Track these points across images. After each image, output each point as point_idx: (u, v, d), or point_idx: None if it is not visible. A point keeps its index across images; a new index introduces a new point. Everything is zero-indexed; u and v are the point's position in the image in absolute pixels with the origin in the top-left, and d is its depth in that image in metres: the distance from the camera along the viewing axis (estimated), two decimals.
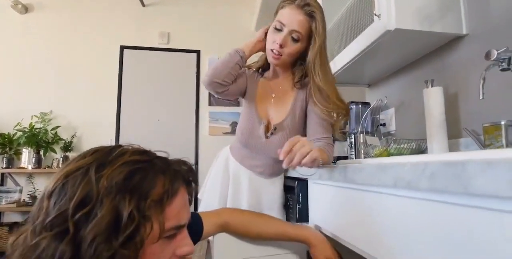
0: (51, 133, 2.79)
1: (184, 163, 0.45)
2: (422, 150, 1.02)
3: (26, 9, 3.01)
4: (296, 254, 0.74)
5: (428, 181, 0.34)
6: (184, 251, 0.43)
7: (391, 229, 0.45)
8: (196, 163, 3.03)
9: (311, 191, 0.81)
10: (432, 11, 0.94)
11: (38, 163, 2.71)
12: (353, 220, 0.57)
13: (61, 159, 2.72)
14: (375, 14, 0.97)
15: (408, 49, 1.10)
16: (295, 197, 0.87)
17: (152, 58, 3.16)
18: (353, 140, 1.25)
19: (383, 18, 0.94)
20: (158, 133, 2.99)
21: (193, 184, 0.46)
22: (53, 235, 0.34)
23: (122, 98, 3.04)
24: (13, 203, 2.53)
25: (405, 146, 1.02)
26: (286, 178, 1.00)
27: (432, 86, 0.95)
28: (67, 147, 2.79)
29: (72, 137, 2.85)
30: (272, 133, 0.93)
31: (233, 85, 0.95)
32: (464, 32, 0.95)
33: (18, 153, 2.76)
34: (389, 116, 1.33)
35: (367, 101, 1.43)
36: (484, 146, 0.80)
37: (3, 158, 2.69)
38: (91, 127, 2.93)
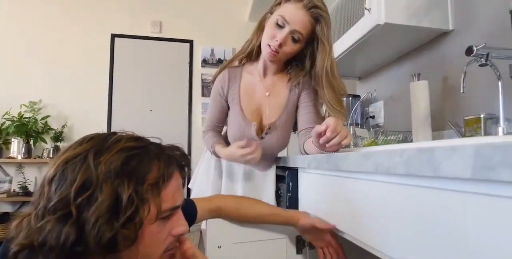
0: (41, 122, 2.75)
1: (177, 148, 0.48)
2: (408, 142, 1.06)
3: None
4: (287, 239, 0.78)
5: (404, 166, 0.37)
6: (179, 231, 0.46)
7: (372, 212, 0.48)
8: (189, 153, 3.04)
9: (301, 179, 0.84)
10: (421, 7, 0.97)
11: (28, 153, 2.68)
12: (339, 205, 0.61)
13: (51, 149, 2.70)
14: (366, 8, 0.99)
15: (397, 43, 1.13)
16: (285, 186, 0.90)
17: (144, 47, 3.12)
18: None
19: (373, 12, 0.97)
20: (150, 123, 2.98)
21: (186, 168, 0.48)
22: (57, 218, 0.36)
23: (114, 88, 3.01)
24: (3, 193, 2.52)
25: (392, 138, 1.06)
26: (276, 167, 1.03)
27: (418, 80, 0.98)
28: (58, 137, 2.76)
29: (63, 127, 2.83)
30: (266, 133, 0.93)
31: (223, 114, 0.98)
32: (450, 27, 0.98)
33: (7, 143, 2.72)
34: (378, 109, 1.37)
35: (357, 94, 1.47)
36: (464, 137, 0.84)
37: None
38: (82, 117, 2.90)
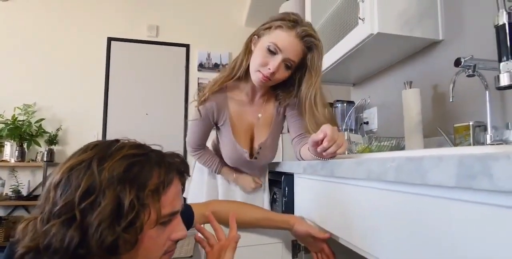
0: (35, 125, 2.74)
1: (177, 155, 0.49)
2: (401, 148, 1.09)
3: None
4: (282, 243, 0.79)
5: (394, 173, 0.39)
6: (178, 236, 0.47)
7: (364, 217, 0.50)
8: (185, 157, 3.03)
9: (296, 185, 0.86)
10: (413, 17, 1.00)
11: (22, 156, 2.66)
12: (333, 211, 0.63)
13: (45, 152, 2.68)
14: (360, 18, 1.02)
15: (390, 52, 1.17)
16: (281, 191, 0.92)
17: (140, 51, 3.13)
18: None
19: (367, 22, 1.00)
20: (146, 127, 2.98)
21: (185, 175, 0.50)
22: (62, 222, 0.37)
23: (110, 91, 3.01)
24: None
25: (385, 144, 1.09)
26: (272, 172, 1.05)
27: (410, 88, 1.01)
28: (52, 141, 2.75)
29: (57, 130, 2.81)
30: (258, 153, 0.96)
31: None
32: (440, 37, 1.02)
33: (0, 146, 2.70)
34: (372, 115, 1.40)
35: (351, 100, 1.49)
36: (454, 144, 0.87)
37: None
38: (77, 120, 2.89)
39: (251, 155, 0.97)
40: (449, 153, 0.34)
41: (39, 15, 2.95)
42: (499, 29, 0.61)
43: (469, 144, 0.83)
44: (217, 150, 1.06)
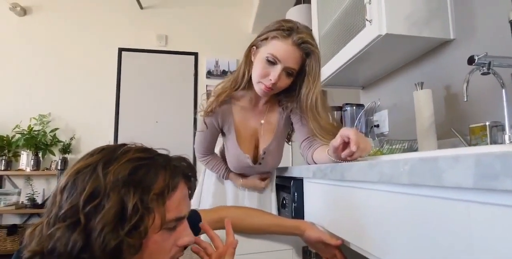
0: (49, 135, 2.81)
1: (184, 159, 0.49)
2: (414, 150, 1.05)
3: (24, 11, 3.03)
4: (292, 249, 0.77)
5: (407, 176, 0.37)
6: (185, 241, 0.46)
7: (376, 222, 0.48)
8: (194, 164, 3.05)
9: (306, 190, 0.84)
10: (421, 17, 0.98)
11: (37, 165, 2.72)
12: (344, 216, 0.60)
13: (59, 161, 2.74)
14: (367, 20, 1.01)
15: (399, 53, 1.15)
16: (290, 196, 0.90)
17: (150, 60, 3.19)
18: None
19: (375, 24, 0.98)
20: (156, 134, 3.02)
21: (192, 179, 0.49)
22: (66, 226, 0.37)
23: (121, 100, 3.07)
24: (11, 205, 2.55)
25: (397, 147, 1.06)
26: (281, 177, 1.03)
27: (421, 89, 0.98)
28: (66, 149, 2.81)
29: (71, 139, 2.87)
30: (263, 158, 0.96)
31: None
32: (452, 37, 0.99)
33: (16, 156, 2.77)
34: (382, 118, 1.37)
35: (361, 103, 1.47)
36: (470, 146, 0.84)
37: (1, 160, 2.70)
38: (90, 129, 2.95)
39: (255, 160, 0.97)
40: (466, 152, 0.33)
41: (53, 29, 3.06)
42: None
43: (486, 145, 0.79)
44: (224, 156, 1.06)
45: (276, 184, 1.07)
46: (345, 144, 0.61)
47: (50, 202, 0.40)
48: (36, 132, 2.75)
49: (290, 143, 1.11)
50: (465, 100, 0.71)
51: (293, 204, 0.87)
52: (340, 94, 1.92)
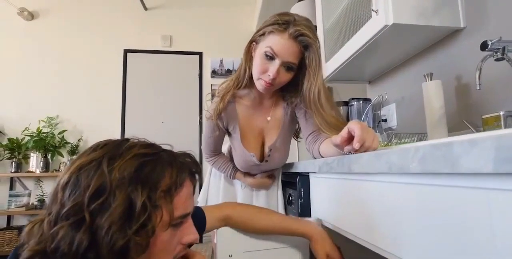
0: (58, 137, 2.84)
1: (189, 155, 0.47)
2: None
3: (32, 16, 3.08)
4: (298, 247, 0.75)
5: (419, 164, 0.34)
6: (190, 239, 0.45)
7: (387, 215, 0.45)
8: (201, 163, 3.05)
9: (312, 185, 0.82)
10: (429, 5, 0.95)
11: (46, 167, 2.76)
12: (353, 210, 0.58)
13: (68, 162, 2.77)
14: (373, 10, 0.98)
15: (407, 44, 1.11)
16: (296, 193, 0.87)
17: (155, 61, 3.20)
18: None
19: (381, 14, 0.95)
20: (162, 134, 3.02)
21: (197, 176, 0.48)
22: (70, 224, 0.36)
23: (127, 101, 3.09)
24: (22, 206, 2.58)
25: (406, 141, 1.02)
26: (286, 174, 1.01)
27: (431, 80, 0.95)
28: (74, 151, 2.84)
29: (79, 140, 2.90)
30: (269, 155, 0.95)
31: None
32: (462, 25, 0.96)
33: (26, 158, 2.81)
34: (390, 112, 1.33)
35: (368, 98, 1.44)
36: None
37: (12, 162, 2.74)
38: (97, 130, 2.98)
39: (261, 158, 0.95)
40: (482, 136, 0.30)
41: (59, 33, 3.09)
42: None
43: None
44: (231, 155, 1.05)
45: (282, 181, 1.05)
46: (351, 137, 0.58)
47: (51, 200, 0.39)
48: (44, 134, 2.78)
49: (298, 139, 1.08)
50: (478, 88, 0.67)
51: (300, 201, 0.85)
52: (346, 89, 1.88)
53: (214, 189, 1.10)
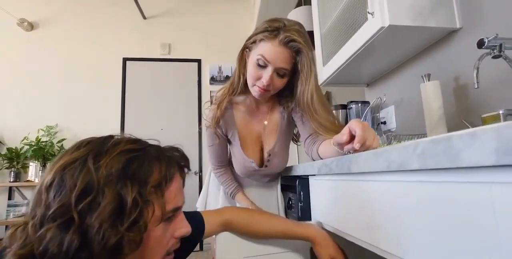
0: (57, 146, 2.83)
1: (177, 149, 0.47)
2: None
3: (31, 26, 3.11)
4: (300, 251, 0.73)
5: (418, 160, 0.34)
6: (182, 232, 0.45)
7: (388, 216, 0.44)
8: (200, 170, 3.03)
9: (312, 188, 0.80)
10: (425, 7, 0.95)
11: None
12: (353, 212, 0.57)
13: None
14: (369, 12, 0.99)
15: (404, 46, 1.11)
16: (296, 196, 0.86)
17: (154, 68, 3.22)
18: None
19: (377, 16, 0.96)
20: (162, 142, 3.00)
21: (186, 169, 0.48)
22: (58, 226, 0.35)
23: (126, 109, 3.09)
24: (21, 216, 2.55)
25: (406, 142, 1.02)
26: (286, 177, 1.00)
27: (429, 81, 0.95)
28: None
29: None
30: (268, 160, 0.94)
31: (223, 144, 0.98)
32: (458, 26, 0.96)
33: (25, 167, 2.80)
34: (389, 114, 1.32)
35: (366, 100, 1.43)
36: None
37: (10, 172, 2.72)
38: None
39: (261, 164, 0.95)
40: (482, 128, 0.29)
41: (58, 43, 3.12)
42: None
43: None
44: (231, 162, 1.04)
45: (282, 185, 1.04)
46: (352, 136, 0.57)
47: (34, 202, 0.38)
48: (43, 143, 2.77)
49: (297, 143, 1.08)
50: (476, 87, 0.67)
51: (300, 204, 0.83)
52: (344, 93, 1.88)
53: (213, 194, 1.09)
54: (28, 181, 2.73)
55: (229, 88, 0.91)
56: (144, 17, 3.24)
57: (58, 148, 2.84)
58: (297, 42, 0.75)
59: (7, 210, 2.60)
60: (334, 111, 1.48)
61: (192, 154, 3.03)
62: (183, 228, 0.46)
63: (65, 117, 2.98)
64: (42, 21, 3.14)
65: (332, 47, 1.32)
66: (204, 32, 3.32)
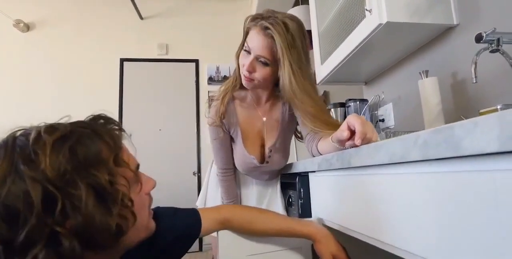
0: None
1: (100, 117, 0.45)
2: None
3: (28, 27, 3.09)
4: (300, 248, 0.73)
5: (420, 150, 0.33)
6: (150, 186, 0.47)
7: (390, 209, 0.44)
8: (199, 171, 3.02)
9: (312, 184, 0.80)
10: (422, 3, 0.96)
11: None
12: (354, 207, 0.57)
13: None
14: (366, 9, 0.99)
15: (402, 43, 1.12)
16: (296, 193, 0.86)
17: (151, 69, 3.21)
18: None
19: (374, 13, 0.96)
20: (160, 142, 3.00)
21: (122, 131, 0.47)
22: (45, 246, 0.32)
23: (124, 110, 3.08)
24: None
25: None
26: (286, 175, 1.00)
27: (427, 77, 0.95)
28: None
29: None
30: (269, 156, 0.94)
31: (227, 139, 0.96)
32: (455, 22, 0.96)
33: None
34: (387, 111, 1.33)
35: (365, 98, 1.44)
36: None
37: None
38: None
39: (262, 160, 0.94)
40: (482, 117, 0.29)
41: (55, 43, 3.10)
42: None
43: None
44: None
45: (281, 182, 1.04)
46: (351, 132, 0.57)
47: None
48: None
49: (302, 140, 1.07)
50: (474, 82, 0.67)
51: (300, 201, 0.83)
52: (343, 91, 1.89)
53: (212, 193, 1.08)
54: None
55: (231, 83, 0.92)
56: (141, 18, 3.23)
57: None
58: (270, 29, 0.75)
59: None
60: (332, 110, 1.49)
61: (190, 155, 3.03)
62: (148, 182, 0.47)
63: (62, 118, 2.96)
64: (38, 22, 3.13)
65: (330, 45, 1.32)
66: (202, 32, 3.31)
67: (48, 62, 3.06)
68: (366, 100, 1.38)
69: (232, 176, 1.00)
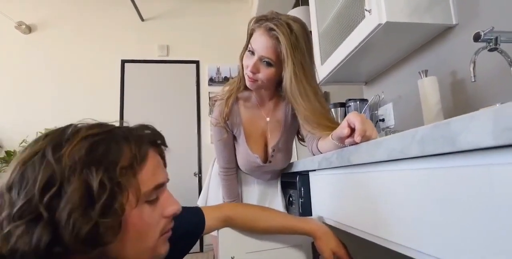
0: None
1: (147, 127, 0.45)
2: None
3: (29, 29, 3.11)
4: (301, 246, 0.73)
5: (418, 146, 0.34)
6: (171, 211, 0.43)
7: (390, 205, 0.45)
8: (200, 172, 3.03)
9: (313, 183, 0.81)
10: (421, 3, 0.96)
11: None
12: (355, 205, 0.57)
13: None
14: (366, 10, 1.00)
15: (401, 43, 1.12)
16: (297, 192, 0.86)
17: (152, 70, 3.22)
18: None
19: (374, 13, 0.97)
20: None
21: (162, 146, 0.46)
22: (26, 223, 0.33)
23: (125, 111, 3.09)
24: None
25: None
26: (286, 174, 1.00)
27: (426, 77, 0.96)
28: None
29: None
30: (272, 156, 0.95)
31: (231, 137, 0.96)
32: (454, 22, 0.97)
33: None
34: (387, 111, 1.33)
35: (365, 98, 1.44)
36: None
37: None
38: None
39: (265, 159, 0.95)
40: (479, 111, 0.30)
41: (57, 45, 3.12)
42: None
43: None
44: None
45: (282, 182, 1.04)
46: (351, 130, 0.58)
47: None
48: None
49: (303, 143, 1.07)
50: (473, 80, 0.68)
51: (300, 200, 0.83)
52: (343, 91, 1.89)
53: (213, 193, 1.09)
54: None
55: (236, 84, 0.92)
56: (142, 19, 3.25)
57: None
58: (275, 30, 0.76)
59: None
60: (332, 110, 1.49)
61: (191, 156, 3.03)
62: (171, 206, 0.43)
63: (63, 119, 2.90)
64: (40, 24, 3.14)
65: (329, 46, 1.33)
66: (202, 34, 3.33)
67: (49, 63, 3.07)
68: (366, 100, 1.38)
69: (234, 176, 1.00)
